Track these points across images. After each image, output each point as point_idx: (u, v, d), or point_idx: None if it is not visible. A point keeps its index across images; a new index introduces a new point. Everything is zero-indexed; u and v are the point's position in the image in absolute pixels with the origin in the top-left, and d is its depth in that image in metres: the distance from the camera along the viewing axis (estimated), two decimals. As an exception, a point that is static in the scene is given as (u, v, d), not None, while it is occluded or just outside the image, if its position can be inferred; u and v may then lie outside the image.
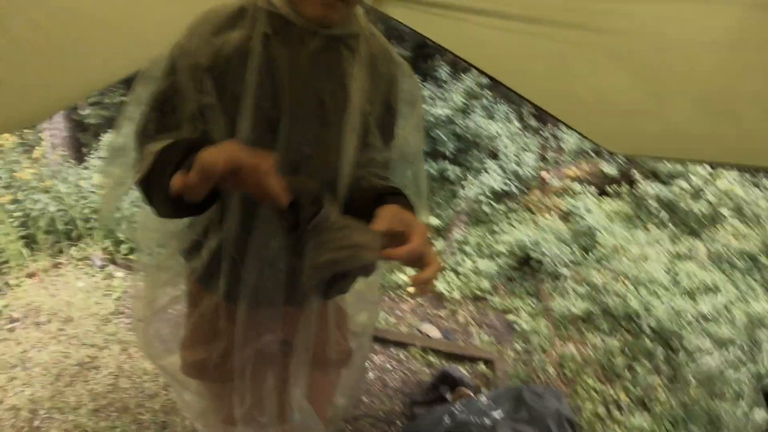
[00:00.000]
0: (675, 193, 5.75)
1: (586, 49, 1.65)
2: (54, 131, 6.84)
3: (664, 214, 5.67)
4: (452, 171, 6.18)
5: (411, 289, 0.88)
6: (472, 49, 2.22)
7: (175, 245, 1.23)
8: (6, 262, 4.28)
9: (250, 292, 1.14)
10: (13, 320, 3.61)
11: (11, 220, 4.42)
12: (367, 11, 1.21)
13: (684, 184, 5.80)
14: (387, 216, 0.90)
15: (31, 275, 4.20)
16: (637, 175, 6.20)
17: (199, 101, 0.99)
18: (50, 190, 4.84)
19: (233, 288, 1.15)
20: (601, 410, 3.10)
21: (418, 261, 0.87)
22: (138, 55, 2.18)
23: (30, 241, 4.53)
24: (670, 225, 5.56)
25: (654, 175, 6.27)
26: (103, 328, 3.52)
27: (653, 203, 5.74)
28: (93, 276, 4.31)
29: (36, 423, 2.69)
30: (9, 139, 5.08)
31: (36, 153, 5.34)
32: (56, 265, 4.43)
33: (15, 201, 4.62)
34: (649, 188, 5.87)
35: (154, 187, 0.91)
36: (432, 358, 3.46)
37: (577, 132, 2.68)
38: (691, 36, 1.32)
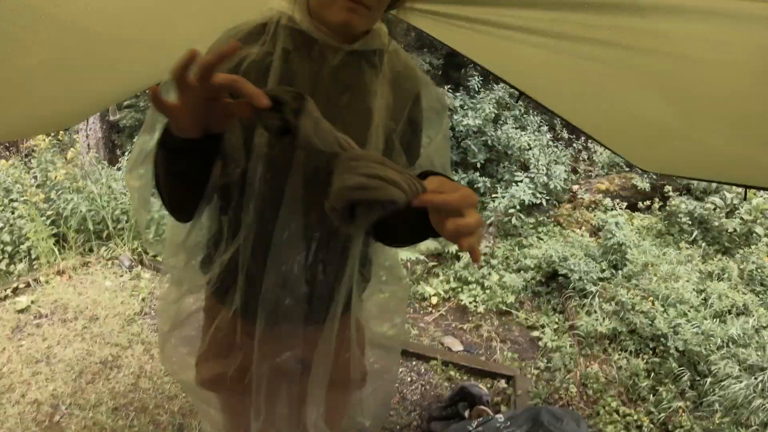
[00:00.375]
0: (708, 210, 5.62)
1: (616, 67, 1.60)
2: (89, 132, 6.97)
3: (696, 232, 5.54)
4: (482, 182, 6.13)
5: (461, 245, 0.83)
6: (501, 63, 2.19)
7: (186, 257, 1.20)
8: (37, 258, 4.39)
9: (269, 309, 1.11)
10: (40, 316, 3.69)
11: (43, 218, 4.54)
12: (396, 22, 1.19)
13: (718, 200, 5.67)
14: (435, 179, 0.83)
15: (60, 273, 4.29)
16: (669, 191, 6.06)
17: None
18: (82, 190, 4.95)
19: (249, 304, 1.12)
20: (623, 434, 3.01)
21: (455, 214, 0.76)
22: (163, 67, 2.26)
23: (60, 240, 4.64)
24: (702, 243, 5.44)
25: (687, 191, 6.14)
26: (127, 328, 3.58)
27: (685, 220, 5.62)
28: (121, 276, 4.39)
29: (56, 418, 2.74)
30: (44, 140, 5.21)
31: (69, 154, 5.46)
32: (85, 264, 4.51)
33: (48, 200, 4.75)
34: (681, 204, 5.75)
35: (159, 153, 0.92)
36: (453, 372, 3.41)
37: (608, 149, 2.63)
38: (724, 56, 1.27)
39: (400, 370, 3.36)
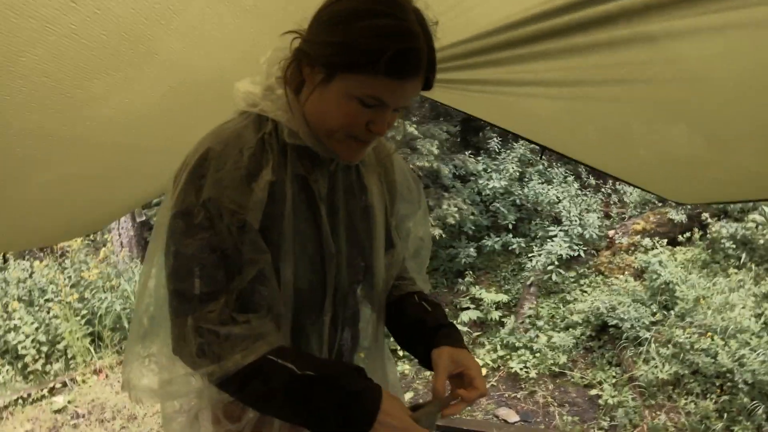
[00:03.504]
0: (750, 229, 5.37)
1: (637, 104, 1.54)
2: (121, 231, 7.15)
3: (743, 254, 5.29)
4: (516, 243, 6.04)
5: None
6: (520, 121, 2.15)
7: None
8: (73, 358, 4.37)
9: None
10: (77, 416, 3.61)
11: (78, 317, 4.53)
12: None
13: (758, 217, 5.42)
14: (444, 363, 0.99)
15: (96, 372, 4.25)
16: (707, 217, 5.82)
17: (253, 260, 0.91)
18: (116, 288, 4.97)
19: None
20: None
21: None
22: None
23: (96, 339, 4.62)
24: (751, 264, 5.18)
25: (725, 214, 5.89)
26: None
27: (729, 244, 5.37)
28: (159, 373, 4.28)
29: None
30: (77, 241, 5.31)
31: (102, 254, 5.54)
32: (122, 362, 4.43)
33: (82, 299, 4.76)
34: (722, 229, 5.48)
35: (253, 390, 0.90)
36: (513, 448, 3.19)
37: (639, 188, 2.53)
38: (744, 70, 1.19)
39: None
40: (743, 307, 4.22)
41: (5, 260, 5.35)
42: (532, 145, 6.54)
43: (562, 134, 2.12)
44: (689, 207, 5.95)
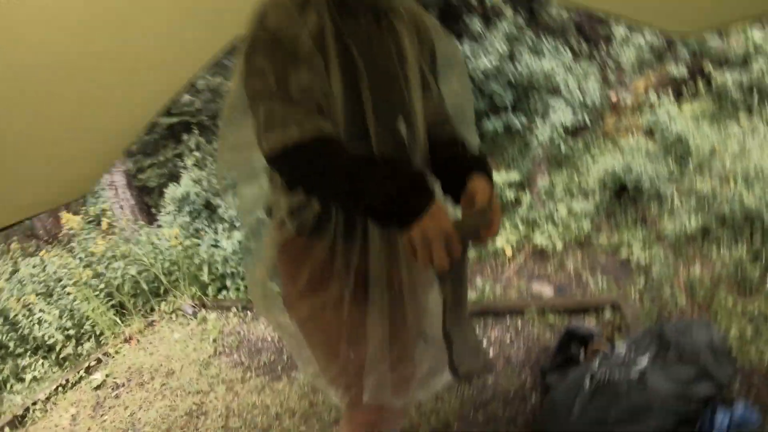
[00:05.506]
0: (755, 73, 5.17)
1: None
2: (122, 203, 7.08)
3: (751, 100, 5.12)
4: (518, 121, 5.84)
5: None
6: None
7: (284, 206, 1.29)
8: (101, 333, 4.38)
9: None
10: (117, 387, 3.63)
11: (97, 293, 4.51)
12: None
13: (761, 61, 5.20)
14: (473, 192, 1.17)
15: (127, 340, 4.26)
16: (710, 70, 5.57)
17: (315, 76, 1.12)
18: (127, 255, 4.91)
19: (349, 228, 1.25)
20: (749, 330, 2.64)
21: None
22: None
23: (119, 308, 4.61)
24: (762, 109, 5.04)
25: (726, 61, 5.64)
26: (205, 373, 3.48)
27: (735, 91, 5.16)
28: (187, 325, 4.33)
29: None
30: (75, 221, 5.18)
31: (104, 225, 5.44)
32: (150, 324, 4.48)
33: (97, 275, 4.72)
34: (726, 77, 5.27)
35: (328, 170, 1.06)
36: (552, 319, 3.11)
37: (645, 25, 2.32)
38: None
39: (496, 331, 3.13)
40: (760, 151, 4.11)
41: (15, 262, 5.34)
42: (516, 20, 6.21)
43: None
44: (688, 58, 5.71)
